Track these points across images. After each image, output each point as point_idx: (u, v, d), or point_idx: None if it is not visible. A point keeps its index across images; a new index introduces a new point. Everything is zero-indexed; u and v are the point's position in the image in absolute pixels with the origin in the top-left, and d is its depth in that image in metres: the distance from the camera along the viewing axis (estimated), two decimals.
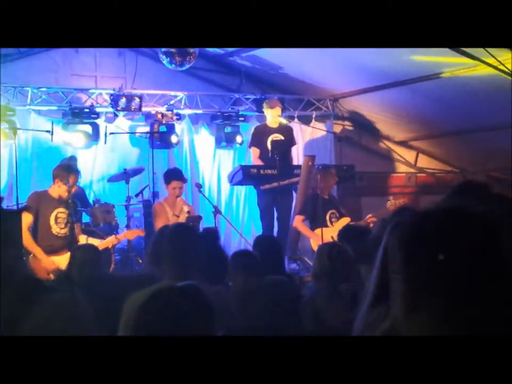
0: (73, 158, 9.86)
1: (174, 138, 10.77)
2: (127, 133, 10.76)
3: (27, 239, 7.48)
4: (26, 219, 7.64)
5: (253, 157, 10.47)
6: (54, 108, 10.45)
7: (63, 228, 7.98)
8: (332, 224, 9.06)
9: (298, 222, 9.26)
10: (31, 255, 7.72)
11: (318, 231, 8.92)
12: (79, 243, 7.85)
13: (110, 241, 8.26)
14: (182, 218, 8.64)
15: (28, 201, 8.07)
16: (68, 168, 8.14)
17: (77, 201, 8.36)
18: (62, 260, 7.76)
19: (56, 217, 7.95)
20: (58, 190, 7.94)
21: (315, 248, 8.95)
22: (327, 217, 9.13)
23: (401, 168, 12.90)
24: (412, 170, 12.88)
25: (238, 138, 11.36)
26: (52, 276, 7.69)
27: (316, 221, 9.13)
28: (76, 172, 8.11)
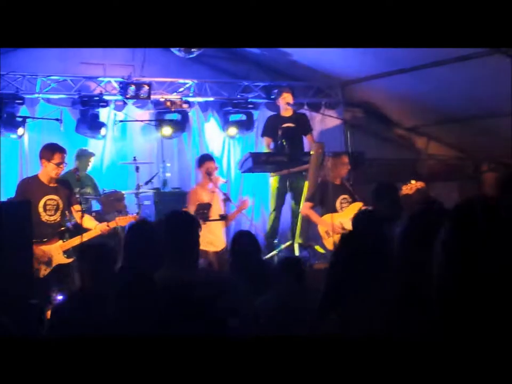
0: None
1: (166, 131, 10.76)
2: (136, 120, 10.74)
3: None
4: None
5: (265, 146, 10.45)
6: (63, 96, 10.44)
7: (52, 215, 7.73)
8: (342, 209, 9.01)
9: (306, 208, 9.22)
10: None
11: (326, 216, 8.87)
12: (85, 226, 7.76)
13: (100, 228, 7.84)
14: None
15: (16, 189, 7.89)
16: (52, 147, 7.88)
17: (71, 184, 8.10)
18: (52, 249, 7.67)
19: (45, 204, 7.69)
20: (46, 171, 7.70)
21: (323, 234, 8.92)
22: (338, 203, 9.07)
23: (412, 154, 12.83)
24: (422, 156, 12.81)
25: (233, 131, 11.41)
26: (43, 267, 7.57)
27: (325, 207, 9.08)
28: (59, 149, 7.87)
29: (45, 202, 7.69)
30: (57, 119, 9.26)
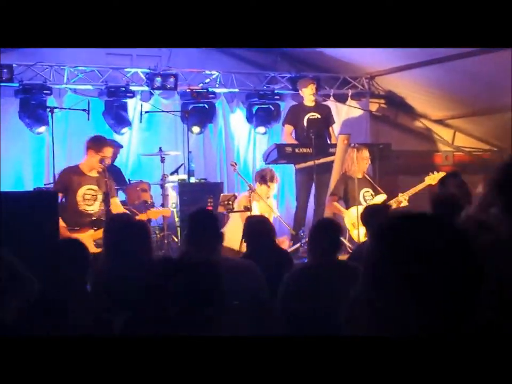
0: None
1: (195, 129, 10.79)
2: (163, 111, 10.78)
3: None
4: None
5: (285, 134, 10.48)
6: (90, 87, 10.51)
7: (90, 205, 7.85)
8: (366, 202, 9.01)
9: (330, 202, 9.26)
10: None
11: (352, 208, 8.88)
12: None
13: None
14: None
15: (57, 177, 8.00)
16: (100, 139, 7.99)
17: (111, 177, 8.18)
18: (84, 238, 7.70)
19: (84, 194, 7.81)
20: (89, 162, 7.78)
21: (348, 226, 8.92)
22: (361, 196, 9.10)
23: (438, 146, 12.77)
24: (449, 148, 12.73)
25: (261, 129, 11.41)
26: None
27: (349, 201, 9.12)
28: (109, 143, 7.93)
29: (84, 192, 7.76)
30: (84, 110, 9.31)
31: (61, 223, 7.55)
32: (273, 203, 9.47)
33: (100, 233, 7.70)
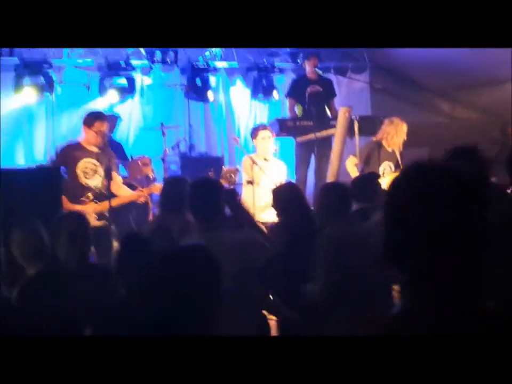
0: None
1: (210, 95, 10.74)
2: (163, 85, 10.75)
3: None
4: None
5: (289, 107, 10.45)
6: (90, 61, 10.46)
7: (90, 179, 7.81)
8: (383, 175, 8.82)
9: (350, 163, 9.15)
10: None
11: None
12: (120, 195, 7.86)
13: (136, 194, 8.02)
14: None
15: (58, 154, 7.99)
16: (97, 115, 7.95)
17: (112, 151, 8.14)
18: (86, 210, 7.71)
19: (85, 167, 7.77)
20: (87, 138, 7.77)
21: None
22: (381, 168, 8.98)
23: (439, 119, 12.75)
24: (448, 120, 12.72)
25: (275, 95, 11.29)
26: None
27: (368, 167, 9.01)
28: (106, 118, 7.92)
29: (84, 165, 7.76)
30: (84, 85, 9.29)
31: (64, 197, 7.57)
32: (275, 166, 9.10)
33: (101, 206, 7.73)
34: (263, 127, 9.05)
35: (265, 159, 8.86)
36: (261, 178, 8.63)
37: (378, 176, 7.41)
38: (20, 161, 9.86)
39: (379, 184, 6.62)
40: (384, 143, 9.03)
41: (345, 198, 5.29)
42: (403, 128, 9.12)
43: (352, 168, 9.09)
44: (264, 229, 6.03)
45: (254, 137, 8.96)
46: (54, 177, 7.15)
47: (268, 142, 8.87)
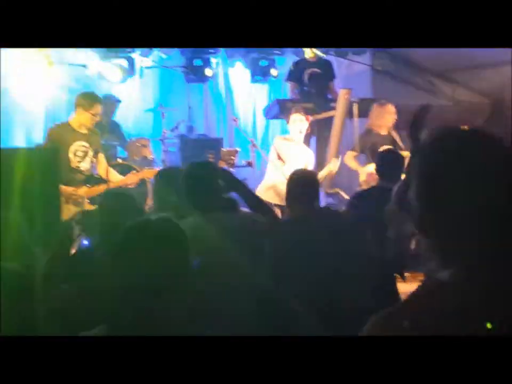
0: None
1: (208, 71, 10.68)
2: (163, 66, 10.71)
3: None
4: None
5: (290, 90, 10.41)
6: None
7: (81, 161, 7.71)
8: None
9: (349, 157, 9.07)
10: None
11: (369, 165, 8.71)
12: (108, 179, 7.77)
13: (130, 178, 7.90)
14: None
15: (46, 135, 7.83)
16: (91, 96, 7.77)
17: (99, 132, 8.00)
18: (78, 193, 7.64)
19: (76, 150, 7.66)
20: (79, 119, 7.63)
21: (362, 182, 8.81)
22: None
23: (440, 101, 12.70)
24: (450, 103, 12.68)
25: (273, 72, 11.24)
26: (72, 208, 7.45)
27: (368, 156, 8.92)
28: (99, 100, 7.81)
29: (76, 148, 7.66)
30: (82, 65, 9.25)
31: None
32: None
33: (93, 190, 7.64)
34: (296, 109, 8.87)
35: (294, 141, 8.77)
36: (290, 159, 8.53)
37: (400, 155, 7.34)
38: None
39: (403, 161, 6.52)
40: (375, 128, 8.93)
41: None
42: (388, 108, 8.99)
43: (352, 162, 9.02)
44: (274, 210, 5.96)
45: (287, 120, 8.85)
46: (52, 159, 7.07)
47: (299, 125, 8.74)
